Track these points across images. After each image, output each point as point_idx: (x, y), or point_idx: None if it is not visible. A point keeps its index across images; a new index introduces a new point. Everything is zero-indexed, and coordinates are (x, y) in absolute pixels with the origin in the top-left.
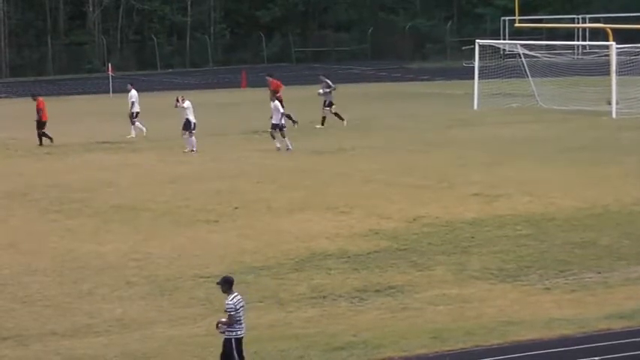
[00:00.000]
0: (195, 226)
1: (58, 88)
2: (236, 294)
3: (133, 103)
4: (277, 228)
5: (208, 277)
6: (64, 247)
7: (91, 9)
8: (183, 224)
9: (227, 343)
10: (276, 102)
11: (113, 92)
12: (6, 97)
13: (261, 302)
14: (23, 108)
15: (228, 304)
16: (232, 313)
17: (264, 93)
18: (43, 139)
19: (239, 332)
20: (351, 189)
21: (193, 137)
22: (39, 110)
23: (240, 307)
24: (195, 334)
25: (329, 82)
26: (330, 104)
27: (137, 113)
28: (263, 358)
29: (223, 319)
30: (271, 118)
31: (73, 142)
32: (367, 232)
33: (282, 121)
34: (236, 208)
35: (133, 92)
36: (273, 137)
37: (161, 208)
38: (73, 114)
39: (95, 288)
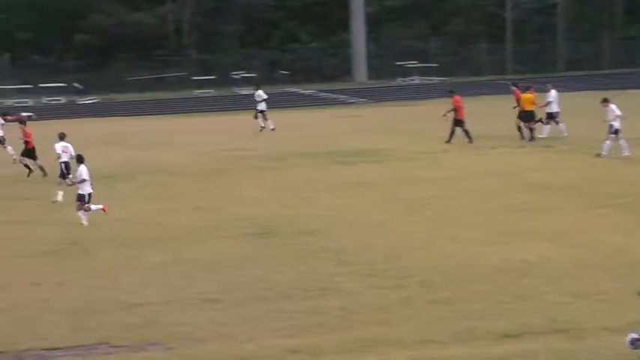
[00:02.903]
0: None
1: (612, 82)
2: None
3: (549, 102)
4: None
5: None
6: (614, 242)
7: None
8: None
9: None
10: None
11: None
12: (563, 91)
13: None
14: (583, 102)
15: None
16: None
17: None
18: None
19: None
20: None
21: (609, 142)
22: (456, 108)
23: None
24: None
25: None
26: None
27: (557, 113)
28: None
29: None
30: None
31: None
32: None
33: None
34: None
35: (553, 92)
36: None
37: None
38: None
39: None
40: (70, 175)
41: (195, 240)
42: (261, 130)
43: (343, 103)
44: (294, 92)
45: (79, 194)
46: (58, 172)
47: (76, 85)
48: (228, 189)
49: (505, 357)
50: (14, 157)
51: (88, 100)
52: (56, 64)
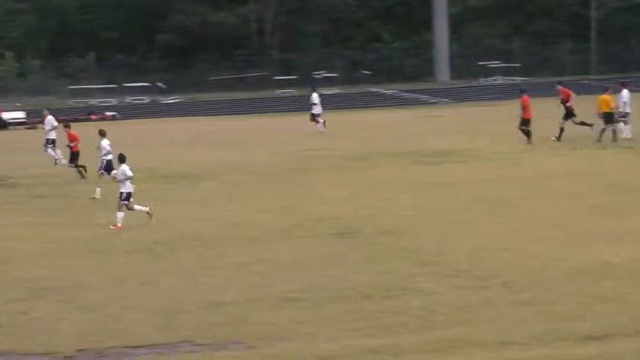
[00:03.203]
0: None
1: None
2: None
3: (624, 103)
4: None
5: None
6: None
7: None
8: None
9: None
10: None
11: None
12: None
13: None
14: None
15: None
16: None
17: None
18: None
19: None
20: None
21: None
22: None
23: None
24: None
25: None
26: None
27: (627, 114)
28: None
29: None
30: None
31: None
32: None
33: None
34: None
35: (625, 92)
36: None
37: None
38: None
39: None
40: (113, 172)
41: (276, 239)
42: (321, 132)
43: (425, 103)
44: (375, 92)
45: (120, 192)
46: (101, 167)
47: (160, 84)
48: (308, 189)
49: (588, 359)
50: (56, 159)
51: (171, 99)
52: (140, 64)
